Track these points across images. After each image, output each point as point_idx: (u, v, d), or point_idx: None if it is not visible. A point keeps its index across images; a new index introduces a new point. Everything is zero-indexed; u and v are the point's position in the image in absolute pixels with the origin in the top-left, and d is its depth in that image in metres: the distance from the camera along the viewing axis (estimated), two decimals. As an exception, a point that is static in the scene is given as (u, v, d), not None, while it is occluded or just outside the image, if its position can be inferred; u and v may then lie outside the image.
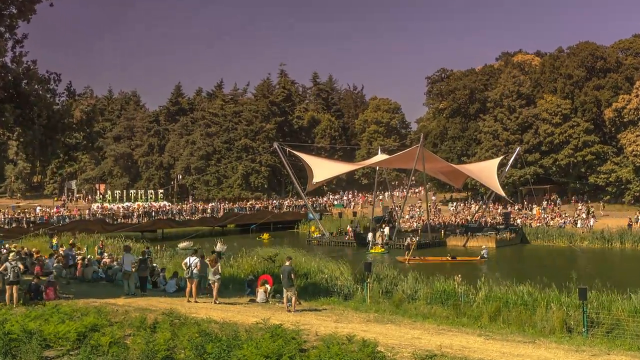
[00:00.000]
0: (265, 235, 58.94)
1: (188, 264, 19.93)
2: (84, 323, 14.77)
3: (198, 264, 19.91)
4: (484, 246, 47.29)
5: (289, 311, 18.29)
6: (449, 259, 43.94)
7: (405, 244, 47.95)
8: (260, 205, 74.27)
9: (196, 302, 19.45)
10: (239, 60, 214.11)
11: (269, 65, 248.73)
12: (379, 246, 50.04)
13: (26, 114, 19.62)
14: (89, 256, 28.84)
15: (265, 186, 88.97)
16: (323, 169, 57.53)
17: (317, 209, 72.44)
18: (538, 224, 59.76)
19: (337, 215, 66.57)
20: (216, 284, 19.66)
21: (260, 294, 20.80)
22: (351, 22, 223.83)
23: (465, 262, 42.80)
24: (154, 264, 23.40)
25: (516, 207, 68.05)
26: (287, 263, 18.94)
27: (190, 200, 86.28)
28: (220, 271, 20.13)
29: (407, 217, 67.73)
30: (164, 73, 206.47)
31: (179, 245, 48.50)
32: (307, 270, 26.13)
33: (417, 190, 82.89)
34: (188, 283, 20.04)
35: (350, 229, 56.53)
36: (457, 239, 54.46)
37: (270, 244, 46.39)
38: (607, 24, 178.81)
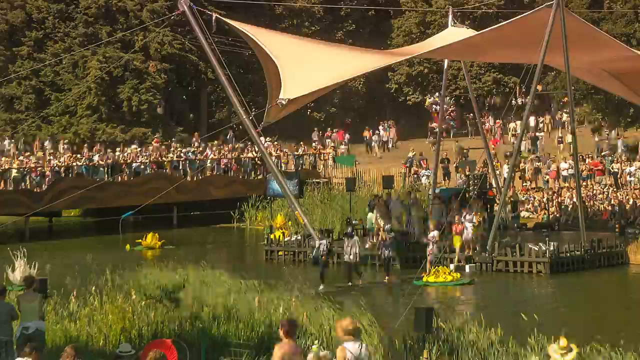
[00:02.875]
0: (150, 239, 43.07)
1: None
2: None
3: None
4: None
5: None
6: None
7: None
8: (146, 159, 51.69)
9: None
10: None
11: None
12: (450, 269, 35.65)
13: None
14: None
15: (160, 112, 62.79)
16: (306, 66, 37.11)
17: (296, 167, 52.41)
18: None
19: (340, 187, 47.67)
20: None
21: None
22: None
23: None
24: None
25: None
26: None
27: None
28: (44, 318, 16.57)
29: (524, 191, 47.06)
30: None
31: None
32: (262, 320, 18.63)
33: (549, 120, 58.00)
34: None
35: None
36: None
37: (167, 259, 30.91)
38: None
